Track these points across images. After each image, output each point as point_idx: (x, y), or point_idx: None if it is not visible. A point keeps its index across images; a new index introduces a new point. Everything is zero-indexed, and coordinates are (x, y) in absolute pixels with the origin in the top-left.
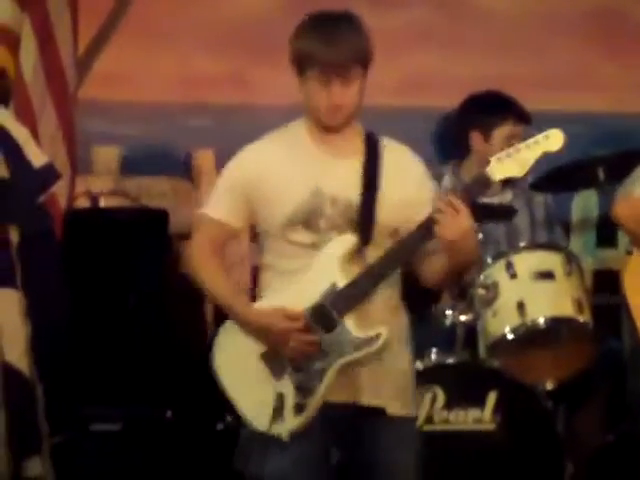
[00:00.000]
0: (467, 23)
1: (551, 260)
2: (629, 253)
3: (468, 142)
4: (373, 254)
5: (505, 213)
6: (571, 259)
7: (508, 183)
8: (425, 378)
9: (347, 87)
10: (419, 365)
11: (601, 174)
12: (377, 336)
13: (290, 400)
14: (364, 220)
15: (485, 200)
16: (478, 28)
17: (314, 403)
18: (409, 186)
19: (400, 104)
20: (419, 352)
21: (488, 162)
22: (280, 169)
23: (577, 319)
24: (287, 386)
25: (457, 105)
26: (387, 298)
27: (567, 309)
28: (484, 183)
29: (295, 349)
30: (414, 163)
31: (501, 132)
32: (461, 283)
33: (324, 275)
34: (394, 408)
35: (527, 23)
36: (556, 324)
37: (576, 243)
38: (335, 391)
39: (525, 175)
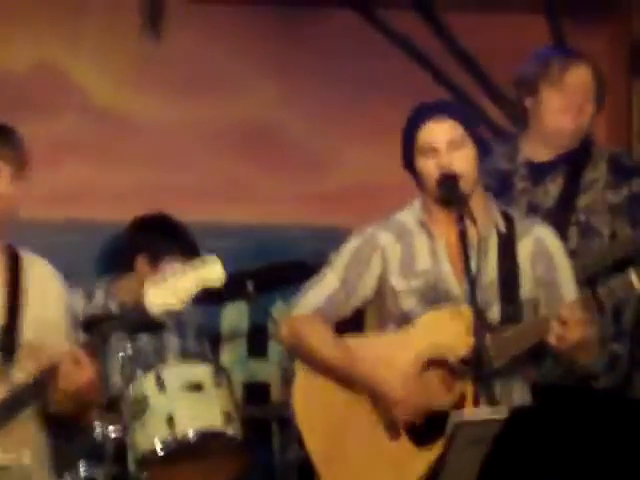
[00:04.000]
0: (117, 133)
1: (200, 372)
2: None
3: (133, 263)
4: (20, 375)
5: (152, 326)
6: (220, 371)
7: None
8: None
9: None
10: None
11: (250, 286)
12: (19, 458)
13: None
14: (7, 342)
15: (123, 314)
16: (128, 139)
17: None
18: (49, 304)
19: (51, 216)
20: (68, 466)
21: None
22: None
23: (226, 432)
24: None
25: (111, 217)
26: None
27: (216, 421)
28: (143, 314)
29: None
30: (53, 280)
31: (169, 263)
32: None
33: None
34: None
35: (177, 134)
36: (205, 437)
37: (227, 355)
38: None
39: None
